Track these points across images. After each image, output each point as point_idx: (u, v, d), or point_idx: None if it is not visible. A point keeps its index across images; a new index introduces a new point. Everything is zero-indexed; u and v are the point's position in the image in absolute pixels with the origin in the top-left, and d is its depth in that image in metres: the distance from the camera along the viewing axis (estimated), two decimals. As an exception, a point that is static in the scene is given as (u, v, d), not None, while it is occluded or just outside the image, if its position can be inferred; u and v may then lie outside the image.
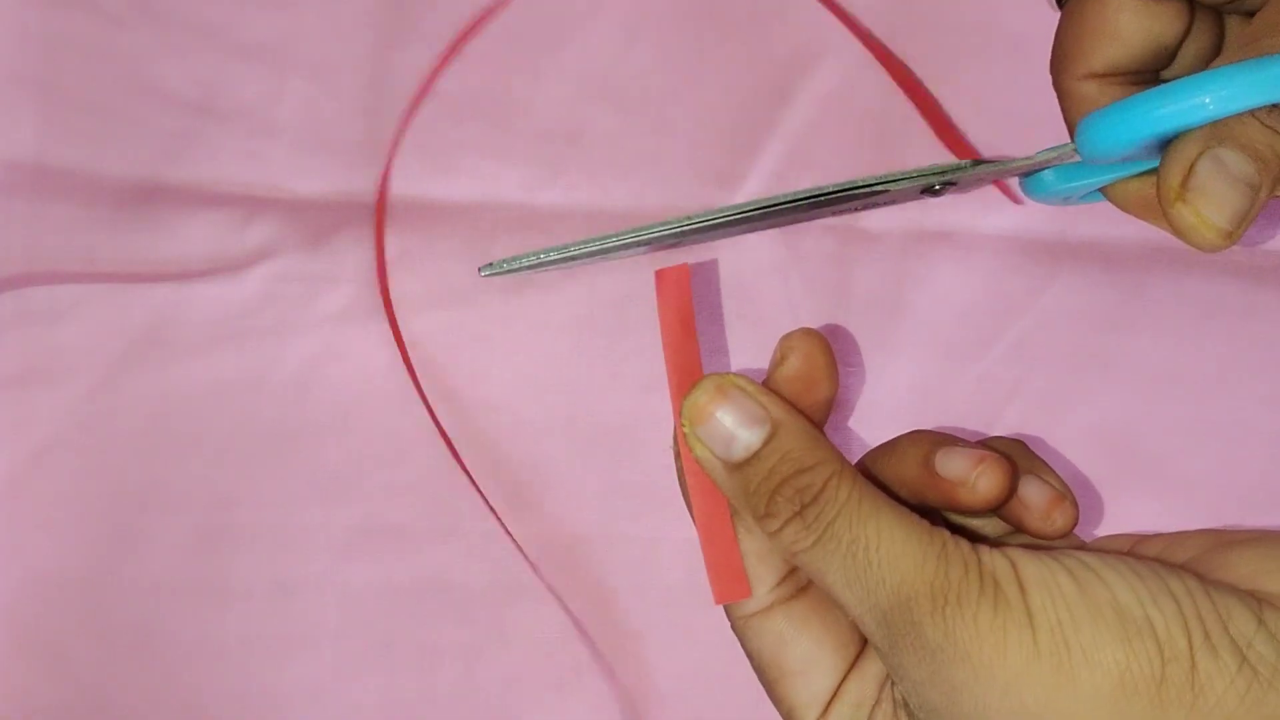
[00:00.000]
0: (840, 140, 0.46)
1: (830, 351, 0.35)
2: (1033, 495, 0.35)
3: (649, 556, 0.46)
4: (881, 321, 0.46)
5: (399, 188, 0.46)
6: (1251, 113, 0.32)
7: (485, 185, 0.46)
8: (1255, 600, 0.29)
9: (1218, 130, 0.32)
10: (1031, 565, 0.30)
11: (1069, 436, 0.46)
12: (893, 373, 0.46)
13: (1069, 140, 0.37)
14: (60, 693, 0.46)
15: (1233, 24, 0.38)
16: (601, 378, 0.46)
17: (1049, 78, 0.47)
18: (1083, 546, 0.35)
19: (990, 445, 0.36)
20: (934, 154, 0.47)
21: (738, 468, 0.33)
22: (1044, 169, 0.38)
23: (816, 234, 0.46)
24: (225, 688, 0.46)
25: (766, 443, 0.33)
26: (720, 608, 0.36)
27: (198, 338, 0.46)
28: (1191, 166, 0.32)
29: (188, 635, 0.46)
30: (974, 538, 0.34)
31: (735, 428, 0.33)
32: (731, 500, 0.34)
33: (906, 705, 0.33)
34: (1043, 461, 0.36)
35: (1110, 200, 0.39)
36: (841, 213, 0.42)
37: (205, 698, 0.46)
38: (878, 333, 0.46)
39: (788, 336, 0.35)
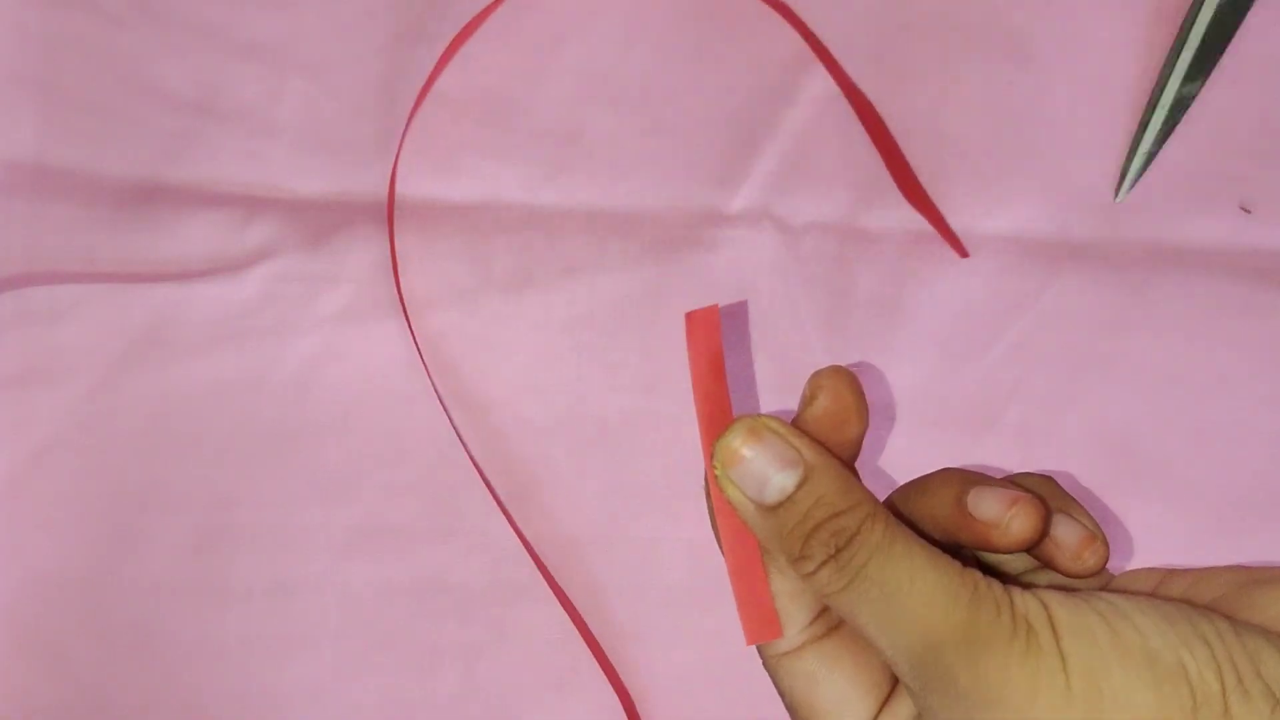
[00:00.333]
0: (840, 140, 0.46)
1: (859, 389, 0.34)
2: (1064, 535, 0.34)
3: (649, 557, 0.46)
4: (882, 322, 0.46)
5: (399, 187, 0.46)
6: None
7: (486, 185, 0.46)
8: None
9: None
10: (1064, 609, 0.30)
11: (1069, 437, 0.46)
12: (893, 373, 0.46)
13: None
14: (60, 692, 0.46)
15: None
16: (601, 378, 0.46)
17: (1048, 76, 0.47)
18: (1108, 585, 0.35)
19: (1021, 483, 0.35)
20: (936, 151, 0.47)
21: (771, 510, 0.33)
22: None
23: (816, 234, 0.46)
24: (225, 688, 0.46)
25: (800, 486, 0.32)
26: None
27: (198, 338, 0.46)
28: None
29: (188, 635, 0.46)
30: (1002, 576, 0.35)
31: (768, 470, 0.33)
32: (764, 542, 0.33)
33: None
34: (1073, 499, 0.35)
35: None
36: None
37: (205, 698, 0.46)
38: (878, 333, 0.46)
39: (817, 375, 0.34)
